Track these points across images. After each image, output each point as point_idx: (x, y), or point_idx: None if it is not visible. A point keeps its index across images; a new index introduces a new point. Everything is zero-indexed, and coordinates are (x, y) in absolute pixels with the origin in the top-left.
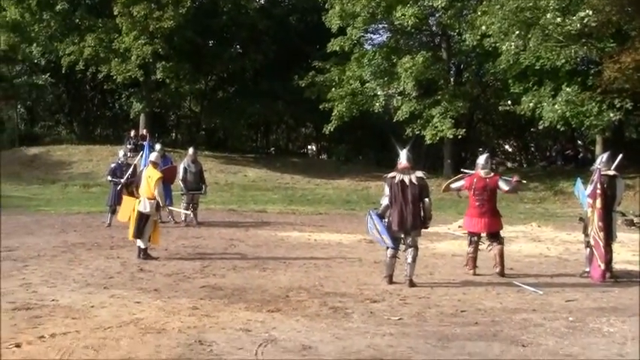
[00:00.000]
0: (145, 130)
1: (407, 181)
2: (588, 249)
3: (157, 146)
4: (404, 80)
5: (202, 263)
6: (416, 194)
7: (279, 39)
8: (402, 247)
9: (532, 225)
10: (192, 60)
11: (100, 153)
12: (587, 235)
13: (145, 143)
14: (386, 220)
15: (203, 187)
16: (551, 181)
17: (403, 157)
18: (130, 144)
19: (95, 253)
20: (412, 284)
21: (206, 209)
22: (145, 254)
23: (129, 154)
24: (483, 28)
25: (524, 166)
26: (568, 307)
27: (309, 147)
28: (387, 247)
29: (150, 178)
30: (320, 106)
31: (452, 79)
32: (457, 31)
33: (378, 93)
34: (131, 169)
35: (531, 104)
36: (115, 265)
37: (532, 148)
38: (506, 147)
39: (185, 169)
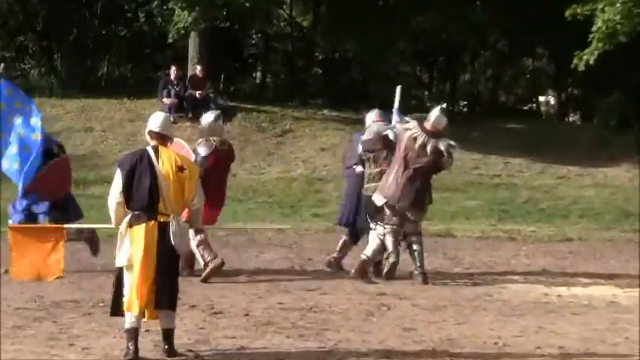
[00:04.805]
0: (199, 68)
1: None
2: None
3: (210, 116)
4: None
5: None
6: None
7: None
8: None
9: None
10: None
11: (111, 114)
12: None
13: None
14: None
15: None
16: None
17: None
18: (166, 94)
19: (97, 319)
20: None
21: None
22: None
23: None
24: None
25: None
26: None
27: (543, 98)
28: None
29: (184, 172)
30: (566, 13)
31: None
32: None
33: None
34: None
35: None
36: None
37: None
38: None
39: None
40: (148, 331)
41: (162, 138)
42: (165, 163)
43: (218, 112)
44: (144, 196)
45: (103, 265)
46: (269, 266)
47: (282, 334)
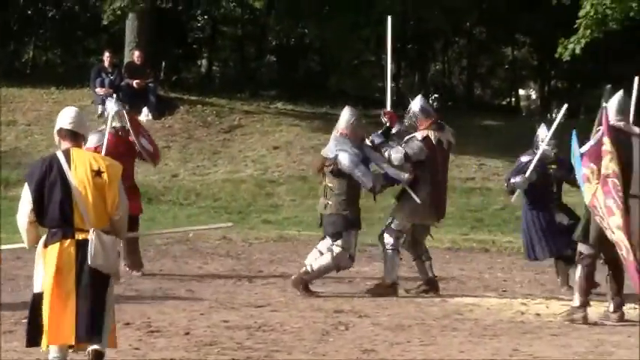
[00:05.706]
0: (137, 54)
1: None
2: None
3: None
4: None
5: None
6: None
7: None
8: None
9: None
10: None
11: (37, 106)
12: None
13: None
14: None
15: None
16: None
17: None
18: (100, 83)
19: (20, 337)
20: None
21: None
22: None
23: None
24: None
25: None
26: None
27: (524, 92)
28: None
29: (102, 176)
30: None
31: None
32: None
33: None
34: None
35: None
36: None
37: None
38: None
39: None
40: (74, 351)
41: (76, 137)
42: (78, 169)
43: (118, 109)
44: (56, 212)
45: (29, 276)
46: (213, 279)
47: (227, 356)
